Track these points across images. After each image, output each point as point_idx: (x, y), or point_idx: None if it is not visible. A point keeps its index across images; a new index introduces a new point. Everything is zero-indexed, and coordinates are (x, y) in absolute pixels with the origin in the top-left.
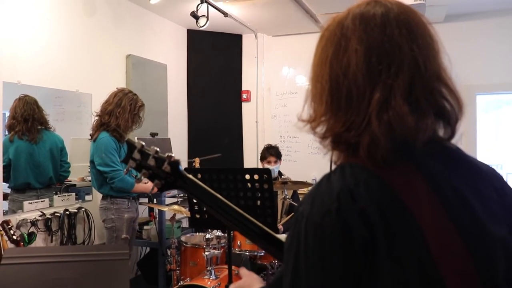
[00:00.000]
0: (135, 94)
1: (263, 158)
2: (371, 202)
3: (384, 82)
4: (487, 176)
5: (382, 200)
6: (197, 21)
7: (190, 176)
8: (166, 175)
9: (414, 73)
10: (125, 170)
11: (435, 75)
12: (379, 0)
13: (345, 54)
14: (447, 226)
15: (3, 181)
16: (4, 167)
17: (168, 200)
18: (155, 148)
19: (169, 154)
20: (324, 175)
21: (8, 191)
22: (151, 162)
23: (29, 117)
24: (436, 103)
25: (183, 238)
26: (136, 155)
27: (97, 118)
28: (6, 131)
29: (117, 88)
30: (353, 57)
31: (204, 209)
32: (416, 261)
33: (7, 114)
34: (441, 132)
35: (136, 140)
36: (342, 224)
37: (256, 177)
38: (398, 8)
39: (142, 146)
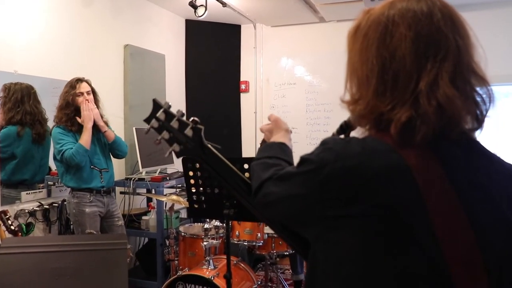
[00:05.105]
0: (75, 79)
1: None
2: (382, 173)
3: (431, 66)
4: (508, 171)
5: (395, 173)
6: (195, 11)
7: (209, 145)
8: (187, 139)
9: (456, 62)
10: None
11: (470, 66)
12: None
13: (393, 39)
14: (457, 213)
15: None
16: (4, 159)
17: (166, 190)
18: (181, 110)
19: (195, 118)
20: (348, 137)
21: None
22: (175, 124)
23: (37, 116)
24: (471, 93)
25: (181, 229)
26: (161, 115)
27: None
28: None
29: None
30: (402, 42)
31: (203, 198)
32: (418, 238)
33: None
34: (469, 124)
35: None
36: (334, 178)
37: None
38: (441, 2)
39: (169, 106)
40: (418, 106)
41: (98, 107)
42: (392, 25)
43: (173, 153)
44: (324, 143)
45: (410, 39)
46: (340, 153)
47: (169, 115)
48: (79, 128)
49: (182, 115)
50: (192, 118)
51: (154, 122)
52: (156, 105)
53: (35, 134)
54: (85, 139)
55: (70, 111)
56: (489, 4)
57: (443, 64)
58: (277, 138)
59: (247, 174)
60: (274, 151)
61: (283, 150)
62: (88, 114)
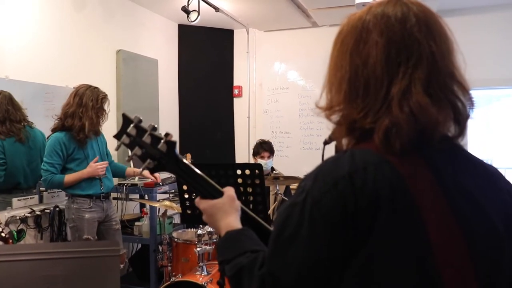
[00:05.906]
0: (95, 88)
1: (256, 153)
2: (379, 186)
3: (403, 73)
4: (493, 176)
5: (390, 184)
6: (188, 16)
7: (185, 160)
8: (161, 155)
9: (430, 68)
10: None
11: (448, 72)
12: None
13: (366, 45)
14: (449, 220)
15: None
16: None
17: (159, 196)
18: (153, 124)
19: (167, 132)
20: (333, 156)
21: None
22: (147, 139)
23: (3, 119)
24: (448, 100)
25: (174, 234)
26: (132, 130)
27: (58, 121)
28: None
29: (74, 87)
30: (373, 49)
31: None
32: (413, 248)
33: None
34: (451, 130)
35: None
36: (340, 205)
37: (247, 172)
38: (418, 7)
39: (140, 121)
40: (392, 114)
41: None
42: (366, 32)
43: None
44: (308, 177)
45: (381, 46)
46: (332, 177)
47: (140, 130)
48: (85, 136)
49: (154, 129)
50: (165, 132)
51: (125, 138)
52: (126, 120)
53: (7, 131)
54: (72, 180)
55: (97, 124)
56: (484, 8)
57: (415, 71)
58: (231, 222)
59: (240, 180)
60: (242, 244)
61: (250, 238)
62: (95, 171)
